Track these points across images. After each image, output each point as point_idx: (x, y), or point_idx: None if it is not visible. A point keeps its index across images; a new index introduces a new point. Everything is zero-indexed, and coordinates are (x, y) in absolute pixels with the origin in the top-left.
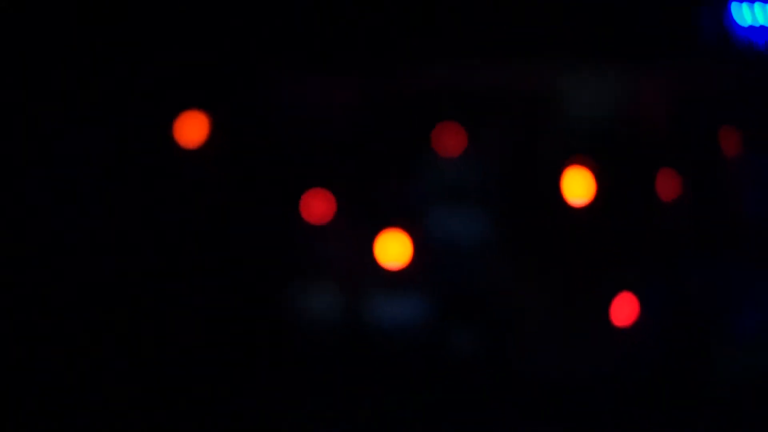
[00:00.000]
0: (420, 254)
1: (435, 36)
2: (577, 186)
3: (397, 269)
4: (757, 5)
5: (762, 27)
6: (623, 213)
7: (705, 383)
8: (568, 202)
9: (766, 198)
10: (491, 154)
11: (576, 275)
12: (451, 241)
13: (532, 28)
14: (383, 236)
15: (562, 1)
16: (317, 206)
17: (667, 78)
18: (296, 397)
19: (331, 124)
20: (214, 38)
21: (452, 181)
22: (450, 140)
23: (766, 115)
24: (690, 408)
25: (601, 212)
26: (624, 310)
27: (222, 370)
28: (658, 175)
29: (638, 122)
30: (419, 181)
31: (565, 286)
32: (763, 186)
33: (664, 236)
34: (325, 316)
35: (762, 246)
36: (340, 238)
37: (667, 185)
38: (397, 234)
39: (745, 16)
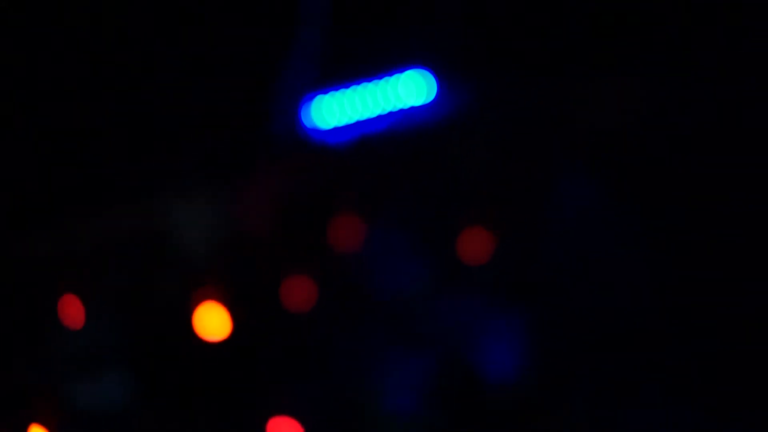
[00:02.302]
0: None
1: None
2: (212, 322)
3: None
4: (334, 104)
5: (338, 128)
6: (257, 335)
7: None
8: (205, 339)
9: (392, 280)
10: (115, 313)
11: (222, 409)
12: (93, 412)
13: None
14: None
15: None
16: None
17: (263, 189)
18: None
19: None
20: None
21: (81, 351)
22: (71, 312)
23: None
24: None
25: (235, 340)
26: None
27: None
28: (285, 284)
29: (253, 238)
30: (50, 361)
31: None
32: (388, 268)
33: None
34: None
35: (397, 329)
36: None
37: (295, 293)
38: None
39: (320, 118)
